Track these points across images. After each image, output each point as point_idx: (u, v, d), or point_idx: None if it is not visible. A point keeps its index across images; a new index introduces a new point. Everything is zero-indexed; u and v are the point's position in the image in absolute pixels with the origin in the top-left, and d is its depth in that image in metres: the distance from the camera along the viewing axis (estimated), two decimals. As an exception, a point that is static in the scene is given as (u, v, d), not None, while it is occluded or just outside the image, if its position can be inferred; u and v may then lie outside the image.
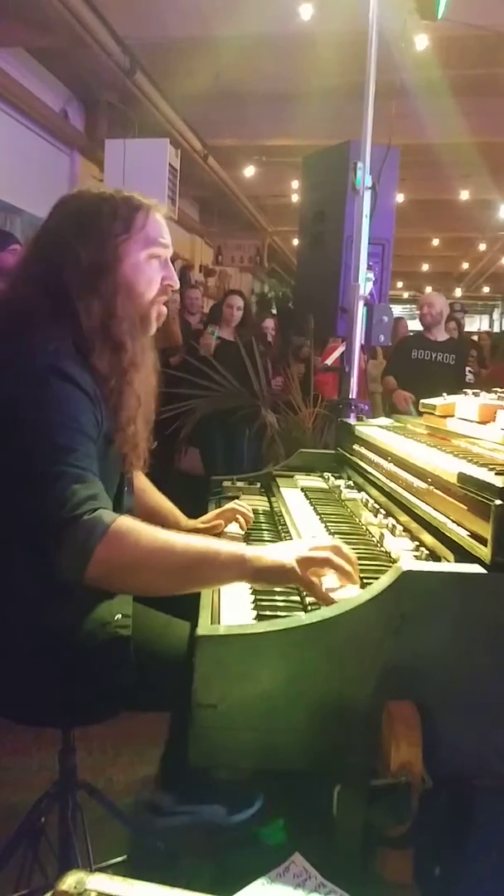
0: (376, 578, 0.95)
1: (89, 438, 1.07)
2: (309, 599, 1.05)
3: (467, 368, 4.72)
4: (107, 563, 0.96)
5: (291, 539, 1.36)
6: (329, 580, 1.02)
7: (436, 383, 4.15)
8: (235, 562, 1.00)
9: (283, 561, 0.99)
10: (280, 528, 1.49)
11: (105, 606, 1.13)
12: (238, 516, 1.45)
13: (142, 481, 1.47)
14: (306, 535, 1.36)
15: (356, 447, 1.87)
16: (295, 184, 6.80)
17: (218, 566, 1.00)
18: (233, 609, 1.06)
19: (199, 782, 1.54)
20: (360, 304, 2.45)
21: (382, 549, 1.26)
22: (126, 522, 0.99)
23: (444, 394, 1.75)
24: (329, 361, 2.96)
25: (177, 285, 1.25)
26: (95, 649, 1.10)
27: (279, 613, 1.03)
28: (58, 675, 1.10)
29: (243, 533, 1.44)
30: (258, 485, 1.87)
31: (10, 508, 1.09)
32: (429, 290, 4.81)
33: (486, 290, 14.79)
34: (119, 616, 1.12)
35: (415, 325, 5.31)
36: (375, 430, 1.86)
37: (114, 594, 1.13)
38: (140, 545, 0.98)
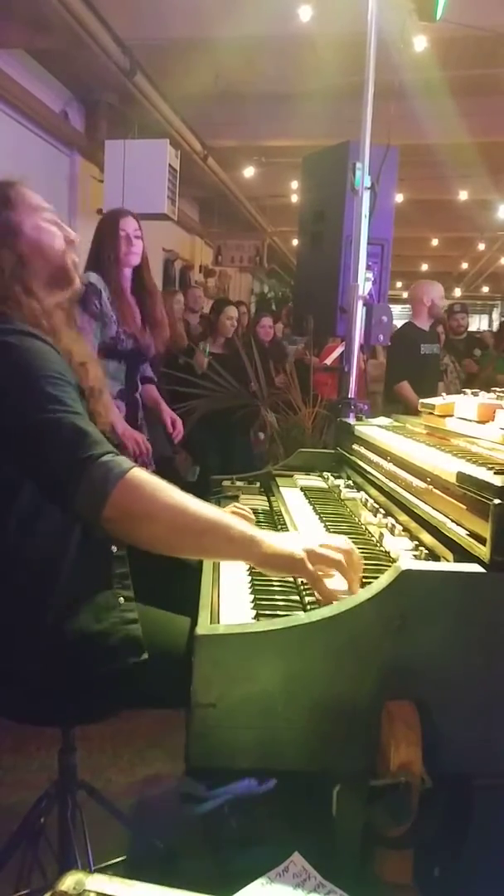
0: (376, 578, 0.95)
1: (68, 382, 1.08)
2: (308, 599, 1.05)
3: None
4: (122, 506, 0.97)
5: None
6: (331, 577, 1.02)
7: (434, 377, 4.10)
8: (245, 540, 1.00)
9: (293, 551, 0.99)
10: (280, 527, 1.49)
11: (107, 592, 1.13)
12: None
13: None
14: (306, 534, 1.36)
15: (355, 447, 1.86)
16: (294, 184, 6.80)
17: (227, 539, 1.00)
18: (232, 608, 1.06)
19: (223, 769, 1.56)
20: (360, 304, 2.46)
21: (382, 548, 1.26)
22: (144, 472, 1.01)
23: (444, 394, 1.76)
24: (328, 361, 2.96)
25: (76, 238, 1.29)
26: (103, 634, 1.10)
27: (278, 613, 1.03)
28: (62, 666, 1.09)
29: None
30: (258, 484, 1.87)
31: (13, 484, 1.09)
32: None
33: (485, 289, 14.79)
34: (122, 599, 1.12)
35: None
36: (375, 429, 1.86)
37: (112, 579, 1.14)
38: (156, 496, 0.99)
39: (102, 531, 1.03)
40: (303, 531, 1.38)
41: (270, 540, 1.01)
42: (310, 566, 0.99)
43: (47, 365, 1.07)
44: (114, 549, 1.17)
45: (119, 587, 1.14)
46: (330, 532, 1.37)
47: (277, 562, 1.00)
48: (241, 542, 1.00)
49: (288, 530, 1.43)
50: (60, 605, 1.10)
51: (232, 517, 1.07)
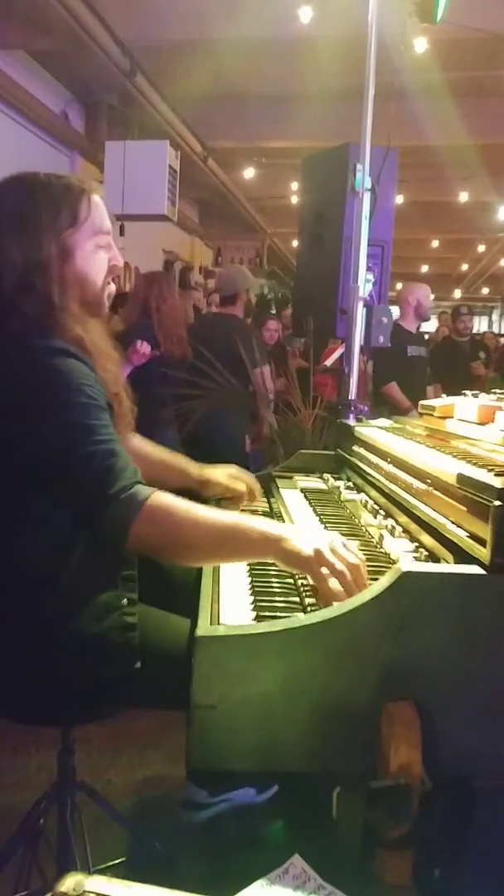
0: (376, 579, 0.95)
1: (101, 408, 1.10)
2: (309, 601, 1.05)
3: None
4: (143, 539, 1.04)
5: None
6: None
7: (421, 381, 4.09)
8: (263, 540, 1.04)
9: (303, 550, 1.01)
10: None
11: (111, 592, 1.13)
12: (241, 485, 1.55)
13: (141, 442, 1.52)
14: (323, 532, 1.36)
15: (355, 448, 1.87)
16: (294, 185, 6.81)
17: (248, 542, 1.05)
18: (232, 610, 1.06)
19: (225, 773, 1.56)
20: (360, 305, 2.46)
21: (382, 550, 1.26)
22: (160, 498, 1.05)
23: (443, 395, 1.76)
24: (328, 363, 2.96)
25: (121, 263, 1.26)
26: (101, 636, 1.10)
27: (278, 614, 1.03)
28: (61, 665, 1.09)
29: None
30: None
31: (26, 492, 1.10)
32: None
33: (485, 291, 14.80)
34: (126, 601, 1.13)
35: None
36: (375, 431, 1.86)
37: (118, 580, 1.15)
38: (173, 520, 1.05)
39: (131, 557, 1.09)
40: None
41: (288, 536, 1.03)
42: (316, 567, 1.00)
43: (83, 389, 1.08)
44: None
45: (124, 589, 1.15)
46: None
47: (289, 558, 1.03)
48: (261, 543, 1.04)
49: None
50: (63, 603, 1.10)
51: (249, 518, 1.11)
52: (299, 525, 1.43)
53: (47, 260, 1.14)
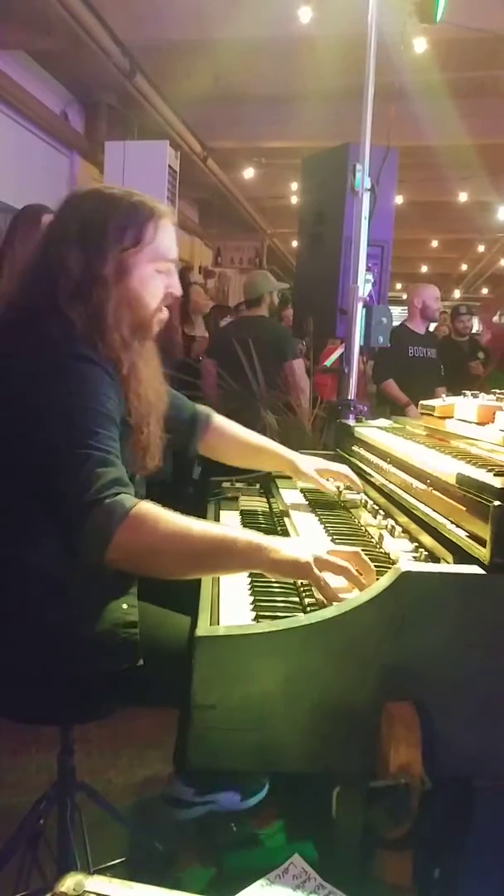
0: (376, 580, 0.95)
1: (111, 420, 1.09)
2: (308, 600, 1.06)
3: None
4: (126, 547, 1.00)
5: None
6: (337, 580, 1.02)
7: (428, 381, 4.13)
8: (252, 551, 1.01)
9: (299, 556, 1.00)
10: (279, 529, 1.49)
11: (112, 596, 1.13)
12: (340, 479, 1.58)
13: (225, 422, 1.54)
14: (305, 536, 1.36)
15: (355, 448, 1.87)
16: (294, 185, 6.81)
17: (234, 554, 1.02)
18: (232, 610, 1.06)
19: (212, 772, 1.56)
20: (359, 305, 2.46)
21: (381, 550, 1.26)
22: (146, 507, 1.02)
23: (444, 396, 1.76)
24: (328, 363, 2.96)
25: (179, 292, 1.27)
26: (104, 634, 1.10)
27: (278, 614, 1.03)
28: (63, 664, 1.09)
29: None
30: (257, 486, 1.87)
31: (31, 492, 1.09)
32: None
33: (484, 291, 14.79)
34: (126, 605, 1.13)
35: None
36: (374, 431, 1.86)
37: (120, 585, 1.14)
38: (158, 530, 1.01)
39: (111, 570, 1.04)
40: (305, 534, 1.38)
41: (277, 545, 1.02)
42: (316, 571, 1.00)
43: (98, 398, 1.08)
44: None
45: (124, 594, 1.14)
46: (330, 533, 1.37)
47: (284, 567, 1.01)
48: (248, 554, 1.02)
49: (288, 532, 1.43)
50: (68, 605, 1.10)
51: (236, 530, 1.09)
52: (302, 534, 1.43)
53: (105, 275, 1.15)
